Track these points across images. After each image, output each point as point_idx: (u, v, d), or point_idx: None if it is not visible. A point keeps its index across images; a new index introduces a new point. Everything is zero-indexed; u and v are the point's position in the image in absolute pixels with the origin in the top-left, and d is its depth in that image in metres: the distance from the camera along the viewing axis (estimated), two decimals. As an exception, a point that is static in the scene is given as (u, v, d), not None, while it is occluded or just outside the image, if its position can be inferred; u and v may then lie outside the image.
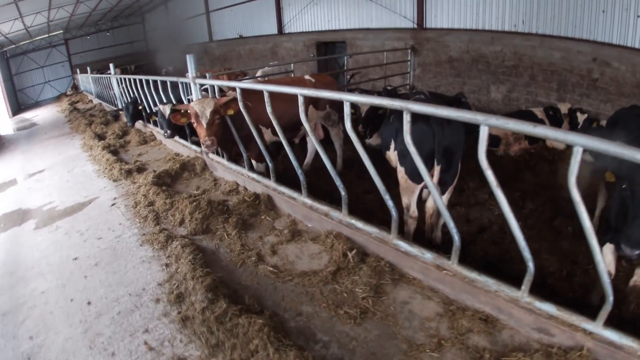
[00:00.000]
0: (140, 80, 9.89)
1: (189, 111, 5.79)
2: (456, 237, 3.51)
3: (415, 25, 13.88)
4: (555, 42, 10.84)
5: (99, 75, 17.50)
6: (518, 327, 3.17)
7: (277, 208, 5.70)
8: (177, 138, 8.46)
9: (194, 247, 4.84)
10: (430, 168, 4.08)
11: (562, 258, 4.50)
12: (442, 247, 4.56)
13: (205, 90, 7.22)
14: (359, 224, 4.37)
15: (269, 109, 5.07)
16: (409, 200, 4.51)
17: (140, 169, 8.08)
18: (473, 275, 3.43)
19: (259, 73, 13.31)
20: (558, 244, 4.82)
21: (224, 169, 6.96)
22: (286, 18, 19.03)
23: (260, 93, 5.25)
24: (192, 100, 7.02)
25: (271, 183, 5.81)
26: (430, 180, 3.62)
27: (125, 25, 37.12)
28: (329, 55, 17.11)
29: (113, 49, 36.54)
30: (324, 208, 4.87)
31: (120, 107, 12.76)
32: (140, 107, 10.52)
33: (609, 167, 3.24)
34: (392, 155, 4.69)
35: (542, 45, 11.03)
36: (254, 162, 6.35)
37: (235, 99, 5.72)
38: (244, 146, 6.20)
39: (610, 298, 2.73)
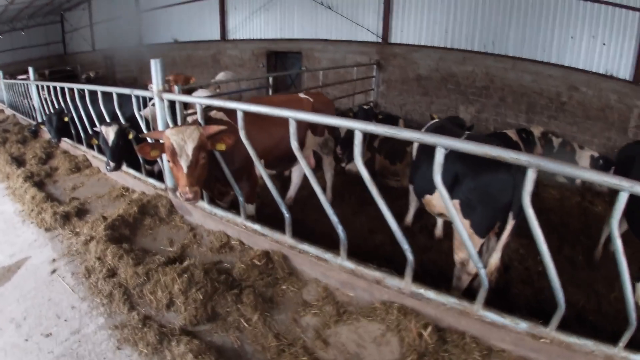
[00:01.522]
0: (76, 91, 7.74)
1: (162, 141, 4.25)
2: (483, 274, 3.36)
3: (380, 40, 13.08)
4: (527, 65, 11.05)
5: (13, 81, 14.26)
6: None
7: (298, 272, 4.44)
8: (124, 167, 6.67)
9: (205, 347, 3.35)
10: (503, 221, 3.88)
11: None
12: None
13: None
14: (430, 294, 3.63)
15: (251, 138, 4.39)
16: (468, 255, 3.94)
17: (81, 212, 6.11)
18: (572, 339, 3.17)
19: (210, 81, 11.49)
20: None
21: (205, 215, 5.40)
22: (231, 23, 17.19)
23: (253, 116, 4.45)
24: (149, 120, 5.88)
25: (286, 238, 4.52)
26: (506, 236, 3.51)
27: (42, 24, 31.64)
28: (280, 66, 15.85)
29: (27, 50, 30.83)
30: (375, 274, 3.90)
31: (40, 120, 10.26)
32: (66, 119, 8.33)
33: None
34: (441, 202, 3.91)
35: (515, 67, 11.19)
36: (238, 194, 4.96)
37: (229, 130, 4.42)
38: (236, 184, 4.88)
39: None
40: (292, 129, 4.00)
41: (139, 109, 6.13)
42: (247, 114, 4.37)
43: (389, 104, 13.12)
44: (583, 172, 2.89)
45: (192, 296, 3.90)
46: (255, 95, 11.90)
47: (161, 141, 4.27)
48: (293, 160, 5.58)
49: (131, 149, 6.07)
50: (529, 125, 10.87)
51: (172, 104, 5.37)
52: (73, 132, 8.45)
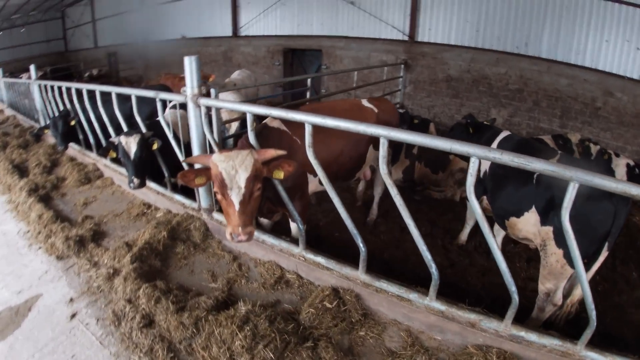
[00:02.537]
0: (85, 92, 6.71)
1: (210, 167, 3.45)
2: (594, 319, 3.09)
3: (407, 38, 12.38)
4: (562, 68, 10.82)
5: (13, 80, 13.18)
6: None
7: (373, 312, 3.85)
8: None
9: None
10: (598, 252, 3.68)
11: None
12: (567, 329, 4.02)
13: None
14: (532, 337, 3.29)
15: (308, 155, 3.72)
16: (556, 286, 4.04)
17: (97, 235, 5.22)
18: None
19: (226, 81, 10.59)
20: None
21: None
22: (244, 18, 16.16)
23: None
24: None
25: (359, 274, 3.90)
26: (597, 267, 3.45)
27: (42, 20, 30.03)
28: (297, 63, 14.94)
29: (27, 47, 29.19)
30: (470, 316, 3.48)
31: (44, 123, 9.26)
32: (72, 123, 7.31)
33: None
34: (529, 226, 4.17)
35: (549, 70, 10.92)
36: (297, 221, 4.19)
37: (290, 148, 4.00)
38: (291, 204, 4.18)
39: None
40: (383, 151, 3.30)
41: (161, 114, 5.23)
42: (301, 126, 3.77)
43: (416, 106, 12.51)
44: (631, 187, 2.63)
45: (259, 354, 3.13)
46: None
47: (209, 166, 3.49)
48: (350, 176, 5.25)
49: (154, 160, 5.35)
50: (563, 130, 10.75)
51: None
52: (81, 136, 7.55)
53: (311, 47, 14.22)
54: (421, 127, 9.79)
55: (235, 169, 3.27)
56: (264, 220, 4.87)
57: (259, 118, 4.32)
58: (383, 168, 3.34)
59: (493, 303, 4.51)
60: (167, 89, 8.28)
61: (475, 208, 3.12)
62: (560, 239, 3.85)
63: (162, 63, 19.43)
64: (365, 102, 5.46)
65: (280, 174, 3.53)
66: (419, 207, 6.78)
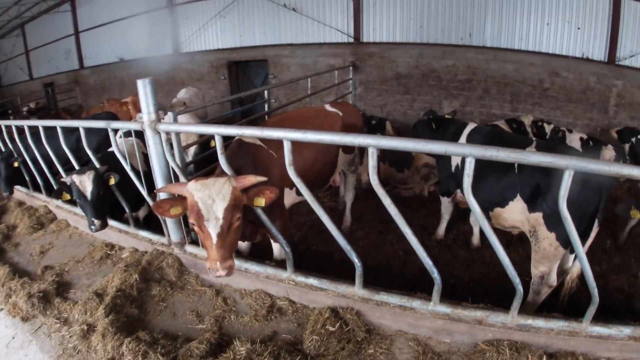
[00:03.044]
0: (27, 129, 6.15)
1: (185, 196, 3.18)
2: (596, 295, 3.22)
3: (352, 40, 12.34)
4: (508, 54, 11.22)
5: None
6: None
7: (377, 327, 3.73)
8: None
9: None
10: (590, 229, 3.84)
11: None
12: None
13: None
14: (539, 322, 3.41)
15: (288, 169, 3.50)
16: (550, 268, 4.15)
17: (62, 287, 4.75)
18: None
19: (174, 101, 10.06)
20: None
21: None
22: (184, 34, 15.44)
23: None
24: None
25: (356, 290, 3.78)
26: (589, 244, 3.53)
27: None
28: (243, 76, 14.53)
29: None
30: (476, 314, 3.51)
31: None
32: (16, 164, 6.59)
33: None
34: (515, 215, 4.26)
35: (496, 58, 11.28)
36: (282, 244, 3.93)
37: (265, 171, 3.73)
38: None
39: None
40: (373, 161, 3.12)
41: (115, 145, 4.73)
42: (278, 126, 3.88)
43: (369, 106, 12.48)
44: (622, 168, 2.75)
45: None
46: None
47: (184, 195, 3.21)
48: (325, 183, 5.16)
49: (112, 196, 4.93)
50: (515, 114, 11.08)
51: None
52: (27, 178, 6.94)
53: (256, 57, 13.83)
54: (378, 127, 9.79)
55: (212, 199, 3.00)
56: (242, 244, 4.60)
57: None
58: (374, 179, 3.17)
59: (485, 293, 4.50)
60: (114, 116, 7.83)
61: (474, 207, 3.07)
62: (551, 223, 3.92)
63: (103, 89, 18.55)
64: (329, 107, 5.40)
65: (261, 202, 3.28)
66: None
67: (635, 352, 3.36)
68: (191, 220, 3.11)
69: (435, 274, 3.39)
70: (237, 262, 4.12)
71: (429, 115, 5.82)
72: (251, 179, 3.20)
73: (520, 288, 3.32)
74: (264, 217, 3.70)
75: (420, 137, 5.72)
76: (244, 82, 14.40)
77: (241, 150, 3.95)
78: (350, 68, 11.58)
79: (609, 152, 9.10)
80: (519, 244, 5.70)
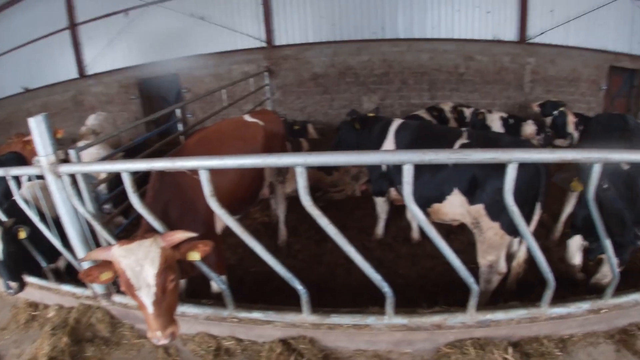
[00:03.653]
0: None
1: (111, 261, 2.80)
2: (551, 278, 3.30)
3: (265, 44, 12.06)
4: (422, 44, 11.57)
5: None
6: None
7: (333, 350, 3.57)
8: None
9: None
10: (533, 213, 3.93)
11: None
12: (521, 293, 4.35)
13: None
14: (499, 315, 3.44)
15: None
16: (498, 256, 4.16)
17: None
18: (622, 299, 3.54)
19: (83, 130, 9.01)
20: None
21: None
22: (88, 55, 14.00)
23: (202, 151, 3.72)
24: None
25: (305, 317, 3.50)
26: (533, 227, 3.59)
27: None
28: (156, 93, 13.59)
29: None
30: (434, 319, 3.45)
31: None
32: None
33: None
34: (454, 208, 4.24)
35: (410, 49, 11.57)
36: (217, 281, 3.55)
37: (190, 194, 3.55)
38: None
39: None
40: (302, 181, 2.88)
41: (16, 193, 4.09)
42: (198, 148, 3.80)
43: (289, 110, 12.23)
44: (566, 153, 2.90)
45: None
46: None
47: (111, 260, 2.82)
48: (256, 197, 4.91)
49: (25, 252, 4.26)
50: (434, 102, 11.27)
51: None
52: None
53: (167, 72, 13.03)
54: (302, 131, 9.59)
55: (140, 265, 2.65)
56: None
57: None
58: (306, 199, 2.92)
59: (435, 287, 4.74)
60: (19, 157, 7.03)
61: (417, 214, 2.98)
62: (493, 213, 3.92)
63: (9, 123, 16.99)
64: (248, 118, 5.10)
65: (196, 256, 2.95)
66: (325, 214, 6.42)
67: (596, 324, 3.54)
68: (122, 289, 2.76)
69: (385, 288, 3.23)
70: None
71: (352, 115, 5.67)
72: (180, 236, 2.85)
73: (475, 287, 3.29)
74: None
75: (346, 139, 5.72)
76: (156, 99, 13.61)
77: (163, 183, 3.55)
78: (266, 73, 11.39)
79: (529, 127, 9.50)
80: (459, 232, 5.70)
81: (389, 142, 5.05)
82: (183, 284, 4.26)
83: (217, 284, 3.49)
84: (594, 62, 11.92)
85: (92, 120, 9.56)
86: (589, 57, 11.88)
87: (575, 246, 4.26)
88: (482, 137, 4.44)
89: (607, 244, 3.23)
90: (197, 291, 4.28)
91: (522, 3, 11.31)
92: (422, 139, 4.76)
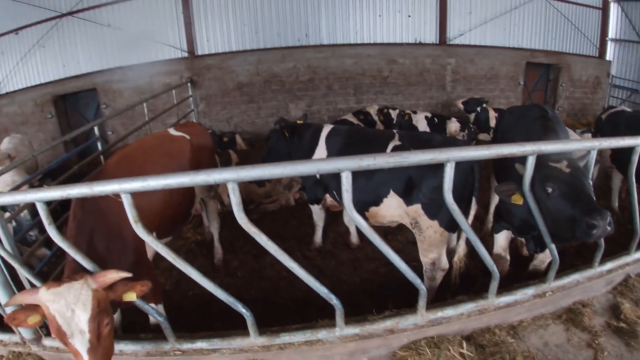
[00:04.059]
0: None
1: (39, 305, 2.52)
2: (496, 270, 3.41)
3: (187, 54, 11.68)
4: (346, 49, 11.84)
5: None
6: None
7: None
8: None
9: None
10: (469, 208, 4.05)
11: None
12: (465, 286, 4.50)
13: None
14: (449, 311, 3.54)
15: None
16: (439, 253, 4.27)
17: None
18: (565, 280, 3.86)
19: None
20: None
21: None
22: (0, 73, 12.50)
23: (125, 171, 3.50)
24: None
25: (252, 340, 3.27)
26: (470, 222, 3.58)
27: None
28: (73, 110, 12.50)
29: None
30: (386, 324, 3.40)
31: None
32: None
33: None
34: (391, 210, 4.26)
35: (334, 54, 11.77)
36: (154, 314, 3.21)
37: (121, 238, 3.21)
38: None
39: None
40: (235, 197, 2.65)
41: None
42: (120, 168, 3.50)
43: (214, 122, 11.85)
44: (501, 148, 2.92)
45: None
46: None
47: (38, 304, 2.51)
48: (188, 215, 4.62)
49: None
50: (360, 105, 11.61)
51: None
52: None
53: (84, 87, 12.14)
54: (231, 143, 9.32)
55: (71, 310, 2.36)
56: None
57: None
58: (241, 217, 2.71)
59: (381, 289, 4.78)
60: None
61: (359, 221, 2.88)
62: (431, 211, 3.99)
63: None
64: (174, 132, 4.78)
65: (132, 296, 2.68)
66: (261, 226, 6.23)
67: (542, 306, 3.75)
68: (53, 336, 2.45)
69: (334, 300, 3.12)
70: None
71: (280, 123, 5.53)
72: (113, 276, 2.56)
73: (423, 287, 3.29)
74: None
75: (276, 149, 5.57)
76: (74, 117, 12.63)
77: (85, 210, 3.18)
78: (188, 84, 11.03)
79: (453, 124, 9.87)
80: (396, 232, 5.82)
81: (321, 149, 4.99)
82: (117, 318, 3.90)
83: (154, 316, 3.19)
84: (512, 60, 12.81)
85: (5, 144, 8.70)
86: (506, 55, 12.74)
87: (505, 240, 4.35)
88: (415, 138, 4.48)
89: (545, 231, 3.32)
90: (134, 323, 3.98)
91: (442, 6, 11.89)
92: (354, 144, 4.74)
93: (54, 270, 4.79)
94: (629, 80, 14.84)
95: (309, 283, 2.98)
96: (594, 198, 3.15)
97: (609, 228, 2.94)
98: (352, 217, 2.82)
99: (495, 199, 5.72)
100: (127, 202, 2.65)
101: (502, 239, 4.34)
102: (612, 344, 3.50)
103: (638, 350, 3.46)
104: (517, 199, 3.31)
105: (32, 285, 3.06)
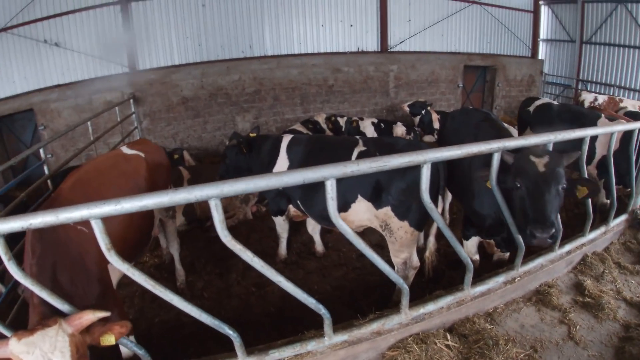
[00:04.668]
0: None
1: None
2: (470, 262, 3.59)
3: (127, 69, 11.20)
4: (291, 60, 11.92)
5: None
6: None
7: None
8: None
9: None
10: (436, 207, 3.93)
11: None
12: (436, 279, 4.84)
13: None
14: (430, 307, 3.67)
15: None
16: (410, 253, 4.36)
17: None
18: (533, 264, 4.21)
19: None
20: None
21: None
22: None
23: (79, 193, 3.45)
24: None
25: None
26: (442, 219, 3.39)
27: None
28: (8, 132, 11.45)
29: None
30: (372, 327, 3.44)
31: None
32: None
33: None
34: (367, 215, 4.31)
35: (280, 65, 11.82)
36: (131, 346, 2.98)
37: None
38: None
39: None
40: (218, 215, 2.56)
41: None
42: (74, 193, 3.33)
43: (159, 138, 11.38)
44: (470, 147, 3.10)
45: None
46: None
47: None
48: (149, 238, 4.36)
49: None
50: (307, 115, 11.77)
51: None
52: None
53: (20, 108, 11.18)
54: (181, 159, 9.05)
55: (50, 354, 2.17)
56: None
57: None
58: (224, 235, 2.62)
59: (354, 294, 4.85)
60: None
61: (344, 228, 2.89)
62: (401, 213, 4.09)
63: None
64: (127, 150, 4.52)
65: (111, 339, 2.48)
66: (221, 243, 6.04)
67: (513, 292, 4.02)
68: None
69: (322, 310, 3.08)
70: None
71: (236, 138, 5.39)
72: (89, 317, 2.33)
73: (405, 287, 3.38)
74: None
75: (235, 164, 5.46)
76: (10, 141, 11.72)
77: (44, 242, 2.93)
78: (131, 101, 10.61)
79: (399, 128, 10.24)
80: (360, 234, 5.76)
81: (282, 159, 4.96)
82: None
83: (133, 349, 2.98)
84: (450, 64, 13.40)
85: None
86: (445, 59, 13.31)
87: (474, 247, 4.55)
88: (378, 143, 4.54)
89: (511, 221, 3.54)
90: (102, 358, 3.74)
91: (382, 15, 12.25)
92: (316, 152, 4.74)
93: (9, 311, 4.41)
94: (561, 76, 16.11)
95: (297, 296, 2.92)
96: (555, 206, 3.30)
97: (549, 241, 3.16)
98: (337, 225, 2.82)
99: (449, 197, 6.09)
100: (97, 229, 2.43)
101: (471, 245, 4.51)
102: (582, 318, 3.81)
103: (606, 320, 3.79)
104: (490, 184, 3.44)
105: None
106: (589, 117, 6.69)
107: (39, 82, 11.13)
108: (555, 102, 7.48)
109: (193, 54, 11.50)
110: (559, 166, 3.33)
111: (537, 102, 7.49)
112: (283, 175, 2.62)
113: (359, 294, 4.80)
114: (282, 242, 5.71)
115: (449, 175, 4.55)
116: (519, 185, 3.35)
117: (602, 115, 6.70)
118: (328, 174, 2.59)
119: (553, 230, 3.12)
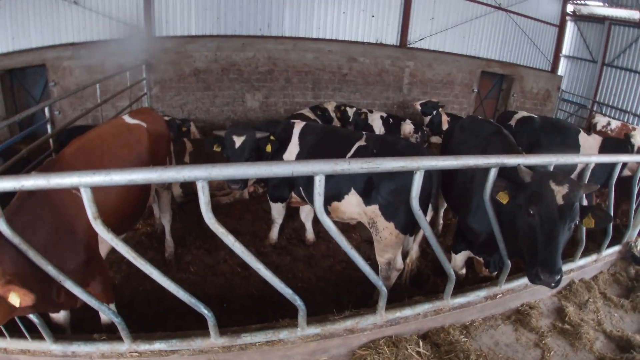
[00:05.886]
0: None
1: None
2: (452, 273, 3.57)
3: (144, 35, 11.06)
4: (308, 43, 11.76)
5: None
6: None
7: None
8: None
9: None
10: (425, 214, 3.93)
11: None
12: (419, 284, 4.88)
13: None
14: (407, 311, 3.66)
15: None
16: (395, 254, 4.35)
17: None
18: (513, 284, 4.14)
19: None
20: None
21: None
22: None
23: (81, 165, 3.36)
24: None
25: (213, 341, 3.16)
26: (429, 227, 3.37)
27: None
28: (19, 86, 11.40)
29: None
30: (346, 324, 3.46)
31: None
32: None
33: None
34: (352, 207, 4.36)
35: (295, 48, 11.67)
36: (108, 313, 2.95)
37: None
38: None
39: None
40: (205, 197, 2.58)
41: None
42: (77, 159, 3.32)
43: (167, 107, 11.35)
44: (468, 160, 3.08)
45: None
46: None
47: None
48: (144, 208, 4.35)
49: None
50: (317, 101, 11.58)
51: None
52: None
53: (32, 63, 11.13)
54: (187, 132, 9.02)
55: None
56: (59, 316, 3.54)
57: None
58: (209, 217, 2.61)
59: (337, 288, 4.85)
60: None
61: (328, 224, 2.85)
62: (388, 213, 4.11)
63: None
64: (129, 120, 4.46)
65: (16, 299, 2.29)
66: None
67: (493, 308, 4.00)
68: None
69: (298, 301, 3.10)
70: (60, 347, 3.16)
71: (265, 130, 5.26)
72: None
73: (384, 289, 3.36)
74: (74, 289, 2.72)
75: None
76: (20, 94, 11.70)
77: (31, 200, 2.89)
78: (143, 67, 10.54)
79: (407, 126, 10.09)
80: (351, 229, 5.88)
81: (293, 145, 4.96)
82: (65, 316, 3.60)
83: (109, 316, 2.98)
84: (468, 67, 13.20)
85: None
86: (463, 62, 13.11)
87: (462, 261, 4.51)
88: (379, 140, 4.56)
89: (498, 232, 3.49)
90: (82, 321, 3.73)
91: (405, 9, 12.08)
92: (325, 142, 4.77)
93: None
94: (578, 95, 15.73)
95: (274, 284, 2.95)
96: (564, 244, 3.09)
97: (552, 285, 2.99)
98: (322, 221, 2.82)
99: (443, 205, 5.94)
100: (86, 197, 2.46)
101: (460, 260, 4.46)
102: (557, 344, 3.79)
103: (582, 350, 3.76)
104: (502, 197, 3.32)
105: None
106: (570, 130, 6.97)
107: (54, 38, 11.04)
108: (535, 116, 7.53)
109: (210, 27, 11.36)
110: (576, 199, 3.09)
111: (518, 116, 7.53)
112: (272, 165, 2.61)
113: (343, 287, 4.82)
114: (276, 227, 5.69)
115: (449, 187, 4.56)
116: (532, 212, 3.11)
117: (581, 130, 7.00)
118: (318, 170, 2.60)
119: (560, 276, 2.95)
